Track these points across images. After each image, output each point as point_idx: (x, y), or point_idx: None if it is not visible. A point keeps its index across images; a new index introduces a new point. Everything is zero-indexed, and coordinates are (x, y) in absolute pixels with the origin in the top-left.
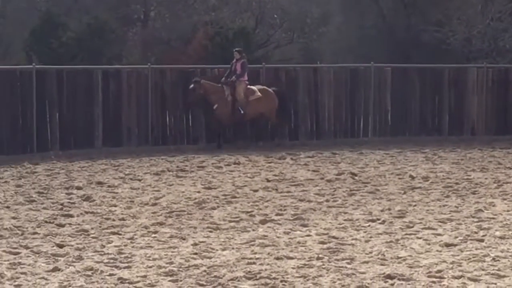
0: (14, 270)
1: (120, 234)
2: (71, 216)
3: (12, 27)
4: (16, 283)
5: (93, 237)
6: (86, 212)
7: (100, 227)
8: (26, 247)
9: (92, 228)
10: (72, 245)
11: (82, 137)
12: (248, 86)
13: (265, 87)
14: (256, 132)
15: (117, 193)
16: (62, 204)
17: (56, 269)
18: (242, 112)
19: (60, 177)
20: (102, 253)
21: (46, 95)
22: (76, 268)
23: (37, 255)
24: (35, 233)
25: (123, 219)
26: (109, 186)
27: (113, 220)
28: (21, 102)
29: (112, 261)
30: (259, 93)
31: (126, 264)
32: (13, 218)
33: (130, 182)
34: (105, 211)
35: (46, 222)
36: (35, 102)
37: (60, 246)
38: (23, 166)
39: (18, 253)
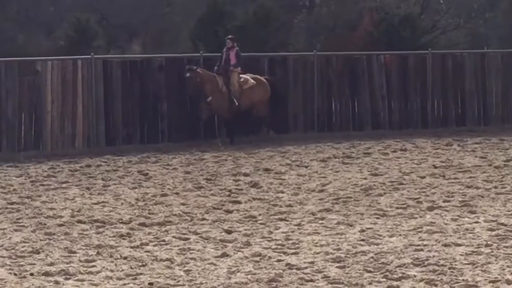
0: (183, 255)
1: (287, 221)
2: (239, 202)
3: (179, 16)
4: (186, 268)
5: (260, 223)
6: (254, 199)
7: (267, 213)
8: (195, 233)
9: (259, 214)
10: (240, 231)
11: (249, 124)
12: (241, 75)
13: (257, 75)
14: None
15: (284, 179)
16: (230, 191)
17: (224, 255)
18: (236, 104)
19: (228, 164)
20: (270, 239)
21: None
22: (244, 254)
23: (206, 241)
24: (203, 219)
25: (290, 205)
26: (276, 173)
27: (280, 206)
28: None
29: (279, 247)
30: (252, 81)
31: (294, 250)
32: (182, 204)
33: (297, 169)
34: (272, 197)
35: (214, 208)
36: None
37: (228, 232)
38: (191, 153)
39: (187, 239)
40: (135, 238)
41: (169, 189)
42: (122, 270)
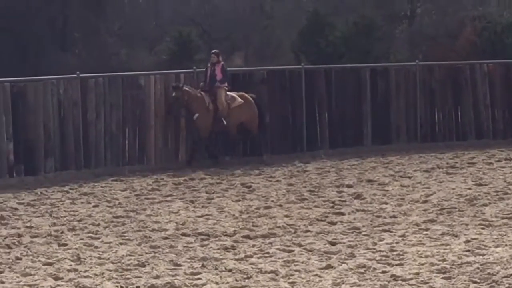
0: (288, 267)
1: (391, 232)
2: (343, 214)
3: (280, 28)
4: (290, 280)
5: (364, 235)
6: (357, 210)
7: (371, 224)
8: (299, 245)
9: (363, 226)
10: (344, 243)
11: (351, 135)
12: (228, 93)
13: (243, 93)
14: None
15: (387, 190)
16: (333, 202)
17: (329, 267)
18: (225, 123)
19: (331, 175)
20: (374, 250)
21: (315, 94)
22: (349, 265)
23: (310, 252)
24: (307, 231)
25: (394, 216)
26: (379, 184)
27: (384, 217)
28: (290, 101)
29: (384, 258)
30: (240, 99)
31: (398, 262)
32: (286, 216)
33: (400, 180)
34: (376, 208)
35: (318, 220)
36: (304, 101)
37: (333, 243)
38: (294, 165)
39: (292, 251)
40: (240, 250)
41: (272, 201)
42: (227, 283)
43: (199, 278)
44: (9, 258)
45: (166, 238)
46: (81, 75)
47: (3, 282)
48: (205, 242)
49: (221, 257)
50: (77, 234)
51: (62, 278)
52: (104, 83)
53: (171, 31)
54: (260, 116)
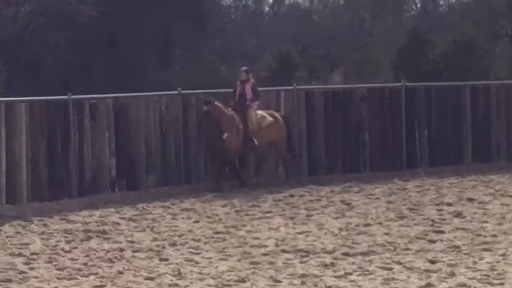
0: (387, 285)
1: (492, 251)
2: (442, 232)
3: (380, 46)
4: None
5: (465, 253)
6: (457, 228)
7: (471, 243)
8: (399, 263)
9: (463, 244)
10: (444, 261)
11: (451, 153)
12: (258, 111)
13: (272, 111)
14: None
15: (487, 209)
16: (433, 220)
17: (429, 285)
18: (256, 143)
19: (430, 193)
20: (475, 269)
21: (414, 112)
22: (449, 284)
23: (409, 270)
24: (407, 248)
25: (494, 235)
26: (479, 203)
27: (485, 236)
28: (390, 119)
29: (484, 277)
30: (270, 118)
31: (499, 281)
32: (386, 234)
33: (501, 198)
34: (476, 227)
35: (417, 238)
36: (404, 119)
37: (432, 262)
38: (393, 183)
39: (391, 268)
40: (339, 267)
41: (372, 218)
42: None
43: None
44: (111, 272)
45: (266, 254)
46: (182, 91)
47: None
48: (305, 259)
49: (320, 274)
50: (178, 249)
51: None
52: (204, 99)
53: (271, 48)
54: (289, 137)
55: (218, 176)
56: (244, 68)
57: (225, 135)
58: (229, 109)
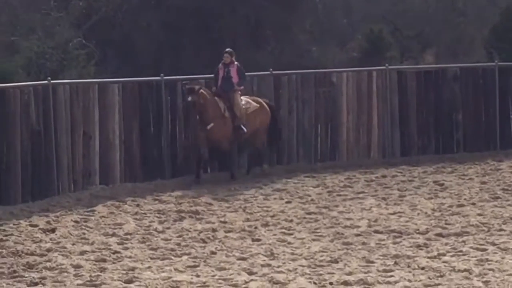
0: (481, 266)
1: None
2: None
3: (473, 25)
4: (484, 279)
5: None
6: None
7: None
8: (493, 244)
9: None
10: None
11: None
12: (241, 97)
13: (256, 97)
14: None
15: None
16: None
17: None
18: (245, 130)
19: None
20: None
21: (508, 92)
22: None
23: (504, 251)
24: (501, 229)
25: None
26: None
27: None
28: (483, 99)
29: None
30: (255, 104)
31: None
32: (479, 215)
33: None
34: None
35: (511, 219)
36: (498, 99)
37: None
38: (487, 163)
39: (485, 249)
40: (432, 248)
41: (465, 199)
42: (420, 281)
43: (391, 276)
44: (204, 253)
45: (359, 235)
46: (274, 72)
47: (198, 276)
48: (398, 240)
49: (413, 254)
50: (270, 230)
51: (256, 273)
52: (296, 80)
53: (362, 28)
54: (275, 125)
55: (197, 170)
56: (227, 50)
57: (210, 125)
58: (213, 95)
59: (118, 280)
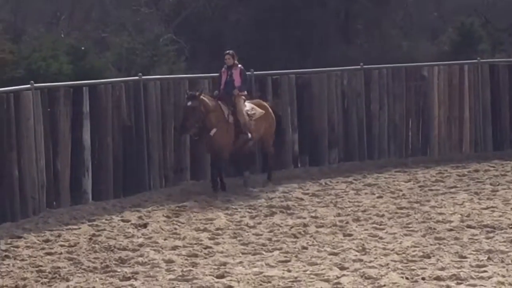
0: None
1: None
2: None
3: None
4: None
5: None
6: None
7: None
8: None
9: None
10: None
11: None
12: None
13: (259, 100)
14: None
15: None
16: None
17: None
18: (249, 136)
19: None
20: None
21: None
22: None
23: None
24: None
25: None
26: None
27: None
28: None
29: None
30: (260, 110)
31: None
32: None
33: None
34: None
35: None
36: None
37: None
38: None
39: None
40: None
41: None
42: None
43: (485, 271)
44: (295, 247)
45: (451, 230)
46: (364, 66)
47: (290, 271)
48: (491, 235)
49: (507, 250)
50: (361, 225)
51: (347, 268)
52: (387, 74)
53: (453, 21)
54: (277, 129)
55: (213, 180)
56: (228, 51)
57: (213, 130)
58: (215, 100)
59: (210, 275)
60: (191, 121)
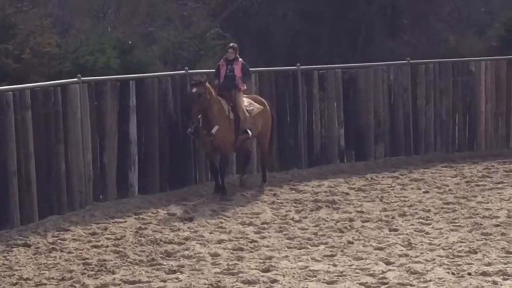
0: None
1: None
2: None
3: None
4: None
5: None
6: None
7: None
8: None
9: None
10: None
11: None
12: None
13: (255, 95)
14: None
15: None
16: None
17: None
18: (250, 134)
19: None
20: None
21: None
22: None
23: None
24: None
25: None
26: None
27: None
28: None
29: None
30: (259, 105)
31: None
32: None
33: None
34: None
35: None
36: None
37: None
38: None
39: None
40: None
41: None
42: None
43: None
44: (341, 242)
45: (498, 225)
46: (411, 61)
47: (335, 265)
48: None
49: None
50: (407, 220)
51: (393, 263)
52: (434, 69)
53: (500, 17)
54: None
55: (215, 180)
56: (231, 44)
57: (215, 128)
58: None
59: (255, 268)
60: (196, 109)
